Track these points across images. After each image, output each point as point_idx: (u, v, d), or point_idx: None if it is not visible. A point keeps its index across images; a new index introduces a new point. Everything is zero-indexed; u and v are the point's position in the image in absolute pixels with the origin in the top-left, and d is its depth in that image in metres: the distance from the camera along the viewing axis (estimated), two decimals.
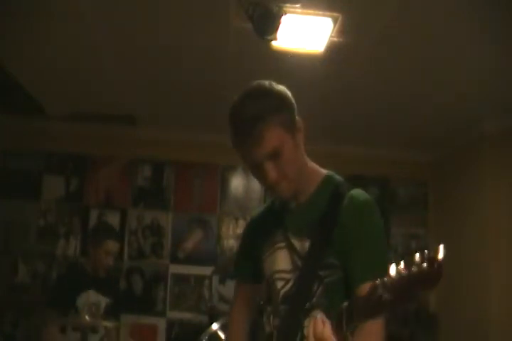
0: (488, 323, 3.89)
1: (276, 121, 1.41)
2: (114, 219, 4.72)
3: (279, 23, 2.49)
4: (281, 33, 2.58)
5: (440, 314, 4.60)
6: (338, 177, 1.56)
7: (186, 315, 4.63)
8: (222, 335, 2.15)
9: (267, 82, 1.56)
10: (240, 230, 4.83)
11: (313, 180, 1.52)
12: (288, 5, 2.63)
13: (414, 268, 0.90)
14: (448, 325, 4.51)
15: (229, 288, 4.71)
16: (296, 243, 1.48)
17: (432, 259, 0.87)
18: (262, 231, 1.61)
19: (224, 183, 4.92)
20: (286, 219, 1.54)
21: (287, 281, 1.49)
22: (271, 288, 1.55)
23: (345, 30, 2.97)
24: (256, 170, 1.44)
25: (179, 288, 4.70)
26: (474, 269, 4.07)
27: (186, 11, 2.89)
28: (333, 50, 3.16)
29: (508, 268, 3.86)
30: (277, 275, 1.52)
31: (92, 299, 3.26)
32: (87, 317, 3.13)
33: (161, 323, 4.63)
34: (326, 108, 4.06)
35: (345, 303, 1.11)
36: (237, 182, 4.93)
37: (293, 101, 1.55)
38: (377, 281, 0.99)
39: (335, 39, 3.07)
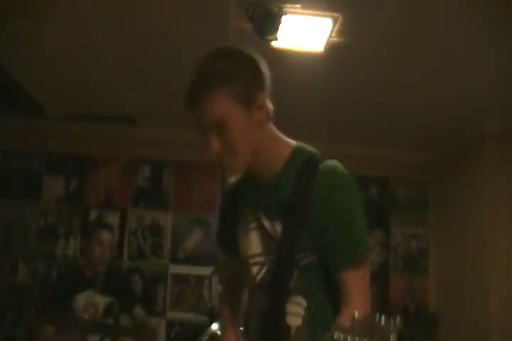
0: (488, 323, 3.89)
1: (225, 90, 1.29)
2: (114, 219, 4.72)
3: (279, 23, 2.49)
4: (281, 33, 2.58)
5: (440, 314, 4.60)
6: (310, 149, 1.41)
7: (186, 315, 4.63)
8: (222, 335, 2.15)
9: (236, 46, 1.41)
10: None
11: (281, 155, 1.37)
12: (288, 5, 2.63)
13: None
14: (448, 325, 4.51)
15: None
16: (267, 224, 1.36)
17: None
18: (235, 207, 1.48)
19: (224, 183, 4.91)
20: (254, 197, 1.41)
21: (262, 265, 1.38)
22: (249, 272, 1.43)
23: (345, 30, 2.97)
24: (204, 140, 1.36)
25: (179, 288, 4.70)
26: (474, 269, 4.07)
27: (186, 11, 2.89)
28: (333, 50, 3.17)
29: (508, 268, 3.86)
30: (251, 260, 1.41)
31: (90, 300, 3.25)
32: (86, 317, 3.13)
33: (161, 323, 4.63)
34: (325, 108, 4.05)
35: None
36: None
37: (260, 72, 1.40)
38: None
39: (335, 39, 3.07)
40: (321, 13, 2.83)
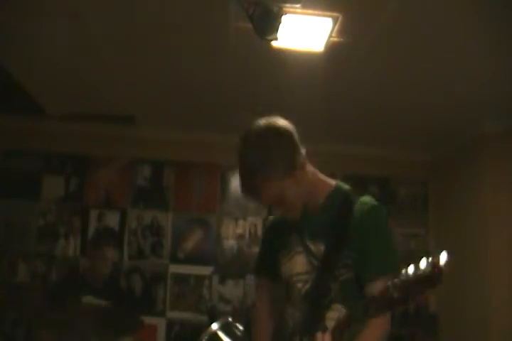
0: (488, 323, 3.89)
1: (273, 174, 1.56)
2: (113, 219, 4.72)
3: (279, 23, 2.48)
4: (281, 33, 2.58)
5: (440, 314, 4.60)
6: (347, 186, 1.72)
7: (186, 315, 4.63)
8: (222, 335, 2.15)
9: (264, 127, 1.65)
10: (239, 230, 4.83)
11: (323, 191, 1.69)
12: (288, 5, 2.62)
13: (419, 272, 1.07)
14: (448, 325, 4.51)
15: (229, 288, 4.71)
16: (312, 247, 1.64)
17: (434, 264, 1.03)
18: (280, 237, 1.78)
19: (224, 183, 4.91)
20: (301, 226, 1.69)
21: (306, 282, 1.66)
22: (291, 288, 1.71)
23: (345, 30, 2.97)
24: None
25: (179, 288, 4.70)
26: (474, 269, 4.07)
27: (186, 11, 2.89)
28: (333, 50, 3.17)
29: (509, 268, 3.86)
30: (296, 278, 1.69)
31: (91, 302, 3.25)
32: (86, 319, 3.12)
33: (161, 323, 4.63)
34: (325, 108, 4.05)
35: (359, 303, 1.28)
36: (237, 182, 4.90)
37: (293, 140, 1.63)
38: (389, 283, 1.14)
39: (335, 39, 3.07)
40: (321, 13, 2.83)
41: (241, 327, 2.20)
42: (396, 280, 1.13)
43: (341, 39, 3.07)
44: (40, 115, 4.54)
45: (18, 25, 3.07)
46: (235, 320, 2.25)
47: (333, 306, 1.57)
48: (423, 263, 1.06)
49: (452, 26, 2.86)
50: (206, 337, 2.10)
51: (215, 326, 2.15)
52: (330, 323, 1.51)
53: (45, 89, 4.09)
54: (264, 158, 1.56)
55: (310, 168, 1.68)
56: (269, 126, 1.64)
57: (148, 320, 4.51)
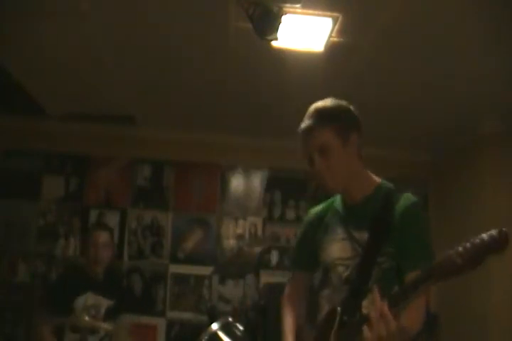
0: (488, 323, 3.89)
1: (330, 126, 1.76)
2: (113, 219, 4.72)
3: (279, 23, 2.48)
4: (281, 33, 2.58)
5: (440, 314, 4.60)
6: (390, 184, 1.87)
7: (186, 315, 4.63)
8: (222, 335, 2.15)
9: (332, 99, 1.91)
10: (239, 230, 4.83)
11: (369, 184, 1.84)
12: (288, 5, 2.63)
13: (485, 237, 1.22)
14: (448, 325, 4.51)
15: (229, 288, 4.71)
16: (357, 234, 1.76)
17: (500, 230, 1.19)
18: (323, 225, 1.91)
19: (224, 183, 4.92)
20: (346, 215, 1.84)
21: (347, 266, 1.78)
22: (331, 272, 1.84)
23: (345, 30, 2.97)
24: (309, 164, 1.78)
25: (179, 288, 4.70)
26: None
27: (186, 11, 2.89)
28: (333, 50, 3.17)
29: (509, 268, 3.85)
30: (338, 262, 1.81)
31: (91, 301, 3.24)
32: (86, 319, 3.12)
33: (160, 323, 4.63)
34: None
35: (419, 272, 1.40)
36: (237, 182, 4.93)
37: (355, 119, 1.88)
38: (451, 251, 1.29)
39: (335, 39, 3.07)
40: (321, 13, 2.83)
41: (241, 327, 2.20)
42: (459, 248, 1.27)
43: (341, 39, 3.07)
44: (40, 115, 4.54)
45: (18, 25, 3.07)
46: (235, 320, 2.25)
47: (370, 295, 1.61)
48: (486, 234, 1.20)
49: (452, 26, 2.86)
50: (206, 337, 2.10)
51: (215, 326, 2.15)
52: (365, 311, 1.61)
53: (45, 89, 4.09)
54: (332, 110, 1.82)
55: (362, 161, 1.84)
56: (337, 100, 1.92)
57: (148, 320, 4.55)
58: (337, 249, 1.82)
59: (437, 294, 4.59)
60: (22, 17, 2.97)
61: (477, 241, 1.24)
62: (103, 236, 3.43)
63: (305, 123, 1.80)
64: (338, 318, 1.68)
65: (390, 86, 3.69)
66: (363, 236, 1.74)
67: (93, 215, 4.74)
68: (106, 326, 3.21)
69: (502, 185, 4.04)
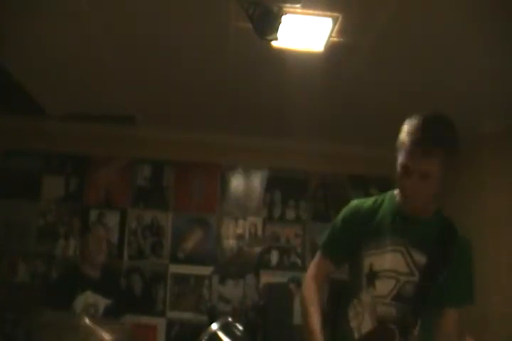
0: (488, 323, 3.89)
1: (446, 152, 1.67)
2: (113, 219, 4.72)
3: (279, 23, 2.48)
4: (281, 33, 2.58)
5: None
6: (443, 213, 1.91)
7: (186, 315, 4.63)
8: (222, 335, 2.15)
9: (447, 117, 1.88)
10: (239, 230, 4.83)
11: (432, 207, 1.86)
12: (288, 5, 2.63)
13: None
14: None
15: (229, 288, 4.71)
16: (415, 253, 1.75)
17: None
18: (373, 226, 1.84)
19: (224, 183, 4.92)
20: (407, 229, 1.79)
21: (398, 281, 1.76)
22: (377, 280, 1.79)
23: (345, 30, 2.97)
24: (404, 177, 1.70)
25: (179, 288, 4.70)
26: (475, 268, 4.07)
27: (186, 11, 2.89)
28: (333, 50, 3.17)
29: (509, 268, 3.85)
30: (390, 274, 1.77)
31: (90, 300, 3.24)
32: (85, 319, 3.11)
33: (160, 323, 4.63)
34: (325, 107, 4.06)
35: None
36: (237, 182, 4.93)
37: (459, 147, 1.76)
38: None
39: (335, 39, 3.07)
40: (321, 13, 2.83)
41: (241, 327, 2.20)
42: None
43: (341, 39, 3.07)
44: (40, 115, 4.54)
45: (18, 25, 3.07)
46: (235, 320, 2.25)
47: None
48: None
49: (452, 26, 2.86)
50: (206, 337, 2.10)
51: (214, 326, 2.15)
52: (414, 332, 1.68)
53: (45, 89, 4.09)
54: (455, 139, 1.73)
55: None
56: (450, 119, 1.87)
57: (148, 320, 4.55)
58: (392, 260, 1.78)
59: None
60: (22, 17, 2.97)
61: None
62: (102, 230, 3.47)
63: (426, 139, 1.68)
64: (396, 338, 1.67)
65: (389, 86, 3.69)
66: (420, 257, 1.75)
67: (93, 215, 4.74)
68: (107, 335, 3.20)
69: (502, 185, 4.04)
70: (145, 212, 4.81)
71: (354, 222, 1.90)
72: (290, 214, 4.91)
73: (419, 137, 1.69)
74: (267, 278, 4.72)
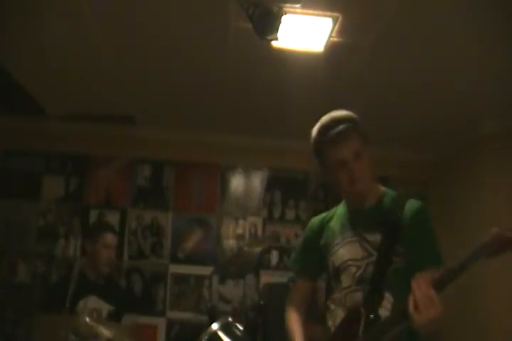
0: (488, 323, 3.89)
1: (356, 132, 1.85)
2: (113, 219, 4.72)
3: (279, 23, 2.48)
4: (281, 33, 2.58)
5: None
6: (393, 192, 1.97)
7: (186, 315, 4.63)
8: (222, 335, 2.15)
9: (339, 110, 2.03)
10: (239, 230, 4.83)
11: (376, 192, 1.93)
12: (288, 5, 2.63)
13: None
14: (448, 325, 4.50)
15: (229, 288, 4.71)
16: (369, 236, 1.82)
17: None
18: (328, 231, 1.98)
19: (224, 183, 4.92)
20: (356, 221, 1.90)
21: (359, 267, 1.83)
22: (342, 274, 1.87)
23: (345, 30, 2.97)
24: (342, 169, 1.82)
25: (179, 288, 4.70)
26: (474, 269, 4.06)
27: (186, 11, 2.89)
28: (333, 50, 3.17)
29: (508, 268, 3.85)
30: (350, 263, 1.85)
31: (93, 305, 3.23)
32: (87, 322, 3.11)
33: (161, 323, 4.63)
34: (325, 108, 4.05)
35: (456, 261, 1.53)
36: (237, 182, 4.93)
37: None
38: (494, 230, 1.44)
39: (335, 39, 3.07)
40: (321, 13, 2.83)
41: (241, 327, 2.20)
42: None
43: (341, 39, 3.07)
44: (40, 115, 4.54)
45: (18, 25, 3.07)
46: (235, 320, 2.25)
47: (385, 294, 1.74)
48: None
49: (452, 26, 2.86)
50: (206, 337, 2.11)
51: (215, 326, 2.15)
52: (382, 311, 1.71)
53: (45, 89, 4.09)
54: (352, 119, 1.93)
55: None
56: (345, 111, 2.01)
57: (148, 320, 4.55)
58: (348, 250, 1.87)
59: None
60: (22, 17, 2.97)
61: None
62: (112, 238, 3.40)
63: (338, 127, 1.84)
64: (363, 318, 1.71)
65: (389, 86, 3.69)
66: (375, 237, 1.80)
67: (93, 215, 4.74)
68: (107, 332, 3.20)
69: (502, 185, 4.04)
70: (145, 212, 4.81)
71: (312, 235, 2.05)
72: (290, 214, 4.91)
73: (331, 131, 1.85)
74: (267, 278, 4.72)
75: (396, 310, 1.61)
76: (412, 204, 1.85)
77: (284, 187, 4.94)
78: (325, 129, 1.88)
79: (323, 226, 2.03)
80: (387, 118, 4.24)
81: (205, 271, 4.69)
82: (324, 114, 4.19)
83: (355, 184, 1.82)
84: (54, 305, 3.21)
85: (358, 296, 1.80)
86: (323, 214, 2.09)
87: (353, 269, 1.84)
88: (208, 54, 3.37)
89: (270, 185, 4.94)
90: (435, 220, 5.34)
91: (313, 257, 2.02)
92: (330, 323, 1.89)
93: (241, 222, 4.85)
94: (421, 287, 1.46)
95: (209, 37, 3.15)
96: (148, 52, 3.42)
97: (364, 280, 1.80)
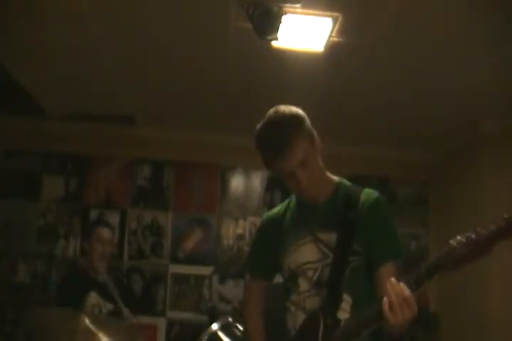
0: (488, 323, 3.89)
1: (300, 136, 1.70)
2: (114, 219, 4.71)
3: (279, 23, 2.48)
4: (281, 33, 2.58)
5: (440, 314, 4.60)
6: (348, 182, 1.86)
7: (186, 315, 4.63)
8: (222, 335, 2.15)
9: (283, 108, 1.80)
10: (239, 230, 4.83)
11: (330, 185, 1.82)
12: (288, 5, 2.63)
13: (492, 227, 1.29)
14: (448, 325, 4.51)
15: (229, 288, 4.71)
16: (323, 236, 1.73)
17: (505, 217, 1.25)
18: (282, 229, 1.87)
19: (224, 183, 4.91)
20: (309, 217, 1.79)
21: (315, 269, 1.74)
22: (299, 278, 1.79)
23: (345, 30, 2.97)
24: (290, 178, 1.72)
25: (179, 288, 4.70)
26: (474, 269, 4.05)
27: (186, 11, 2.89)
28: (333, 50, 3.17)
29: (508, 268, 3.86)
30: (306, 266, 1.76)
31: (94, 302, 3.23)
32: (86, 320, 3.10)
33: (161, 323, 4.63)
34: (325, 108, 4.05)
35: (424, 264, 1.40)
36: (237, 182, 4.93)
37: (306, 119, 1.78)
38: (452, 241, 1.35)
39: (335, 39, 3.07)
40: (321, 13, 2.83)
41: (241, 327, 2.21)
42: (459, 237, 1.34)
43: (341, 39, 3.07)
44: (40, 115, 4.54)
45: (18, 25, 3.07)
46: (235, 320, 2.26)
47: (343, 296, 1.67)
48: (491, 224, 1.25)
49: (452, 26, 2.86)
50: (206, 337, 2.11)
51: (215, 326, 2.16)
52: (341, 314, 1.66)
53: (45, 89, 4.09)
54: (295, 121, 1.72)
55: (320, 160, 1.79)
56: (289, 108, 1.79)
57: (148, 320, 4.55)
58: (303, 253, 1.78)
59: (437, 294, 4.59)
60: (22, 17, 2.97)
61: (483, 231, 1.31)
62: (106, 232, 3.41)
63: (273, 143, 1.69)
64: (322, 322, 1.65)
65: (389, 86, 3.69)
66: (330, 237, 1.72)
67: (93, 215, 4.74)
68: (106, 331, 3.20)
69: (502, 185, 4.04)
70: (145, 212, 4.81)
71: (265, 233, 1.96)
72: None
73: (267, 144, 1.71)
74: None
75: (369, 311, 1.50)
76: (367, 196, 1.76)
77: (284, 187, 4.90)
78: (265, 139, 1.73)
79: (276, 223, 1.91)
80: (387, 118, 4.24)
81: (205, 271, 4.69)
82: (325, 113, 4.19)
83: (304, 191, 1.74)
84: (56, 305, 3.22)
85: (316, 300, 1.74)
86: (276, 210, 1.98)
87: (310, 273, 1.76)
88: (208, 54, 3.37)
89: (270, 185, 4.94)
90: (435, 220, 5.38)
91: (267, 257, 1.92)
92: (290, 325, 1.84)
93: (241, 222, 4.85)
94: (395, 287, 1.40)
95: (209, 37, 3.15)
96: (148, 52, 3.42)
97: (322, 284, 1.73)
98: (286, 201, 1.95)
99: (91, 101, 4.31)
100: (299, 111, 1.78)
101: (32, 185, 4.74)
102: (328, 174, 1.85)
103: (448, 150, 4.73)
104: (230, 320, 2.24)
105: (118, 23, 3.06)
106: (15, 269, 4.57)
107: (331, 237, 1.71)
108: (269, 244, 1.90)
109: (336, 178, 1.86)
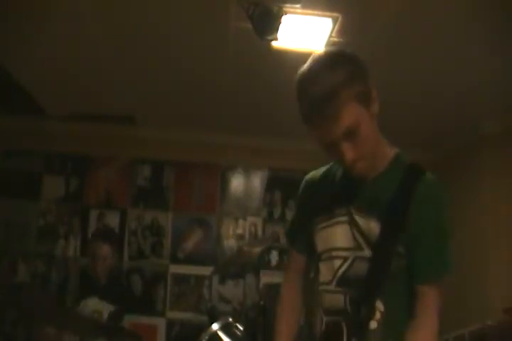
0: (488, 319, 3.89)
1: (351, 95, 1.30)
2: (114, 219, 4.72)
3: (279, 23, 2.48)
4: (281, 33, 2.58)
5: (440, 314, 4.59)
6: (408, 157, 1.50)
7: (186, 315, 4.63)
8: (222, 335, 2.15)
9: (335, 50, 1.44)
10: (239, 230, 4.83)
11: (385, 156, 1.46)
12: (288, 5, 2.63)
13: None
14: (448, 325, 4.50)
15: (229, 288, 4.71)
16: (361, 221, 1.39)
17: None
18: (319, 198, 1.52)
19: (224, 183, 4.92)
20: (353, 193, 1.42)
21: (345, 260, 1.41)
22: (323, 263, 1.48)
23: (345, 30, 2.97)
24: (332, 149, 1.35)
25: (179, 288, 4.70)
26: (474, 269, 4.07)
27: (186, 11, 2.89)
28: None
29: (508, 268, 3.86)
30: (335, 253, 1.44)
31: (94, 306, 3.24)
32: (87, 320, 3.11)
33: (161, 323, 4.63)
34: None
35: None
36: (237, 182, 4.93)
37: (365, 66, 1.39)
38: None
39: (335, 39, 3.07)
40: (321, 13, 2.83)
41: (241, 327, 2.20)
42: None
43: (341, 39, 3.07)
44: (40, 115, 4.54)
45: (19, 26, 3.07)
46: (235, 320, 2.25)
47: (376, 304, 1.34)
48: None
49: (452, 26, 2.86)
50: (206, 337, 2.11)
51: (215, 326, 2.16)
52: (373, 325, 1.33)
53: (45, 89, 4.09)
54: (341, 76, 1.30)
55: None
56: (342, 50, 1.41)
57: (148, 320, 4.55)
58: (334, 235, 1.44)
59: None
60: (22, 17, 2.97)
61: None
62: (107, 251, 3.45)
63: (315, 99, 1.30)
64: (345, 336, 1.37)
65: (389, 86, 3.68)
66: (369, 225, 1.37)
67: (93, 215, 4.74)
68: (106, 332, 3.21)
69: (502, 185, 4.04)
70: (145, 212, 4.81)
71: (305, 198, 1.61)
72: (290, 214, 4.91)
73: (308, 103, 1.33)
74: (266, 278, 4.72)
75: None
76: (428, 187, 1.38)
77: (284, 187, 4.94)
78: (301, 81, 1.41)
79: (317, 189, 1.56)
80: (386, 118, 4.23)
81: (205, 271, 4.69)
82: None
83: (350, 169, 1.38)
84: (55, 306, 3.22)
85: (339, 300, 1.41)
86: (321, 171, 1.59)
87: (337, 262, 1.42)
88: (208, 54, 3.37)
89: (270, 185, 4.94)
90: None
91: (306, 228, 1.55)
92: (313, 319, 1.59)
93: (241, 222, 4.85)
94: None
95: (209, 37, 3.15)
96: (148, 52, 3.42)
97: (349, 282, 1.39)
98: (336, 166, 1.54)
99: (91, 101, 4.31)
100: (355, 55, 1.40)
101: (32, 185, 4.74)
102: (384, 141, 1.50)
103: (448, 150, 4.73)
104: (230, 320, 2.24)
105: (118, 23, 3.06)
106: (15, 269, 4.57)
107: (371, 226, 1.36)
108: (307, 215, 1.55)
109: (391, 151, 1.50)
